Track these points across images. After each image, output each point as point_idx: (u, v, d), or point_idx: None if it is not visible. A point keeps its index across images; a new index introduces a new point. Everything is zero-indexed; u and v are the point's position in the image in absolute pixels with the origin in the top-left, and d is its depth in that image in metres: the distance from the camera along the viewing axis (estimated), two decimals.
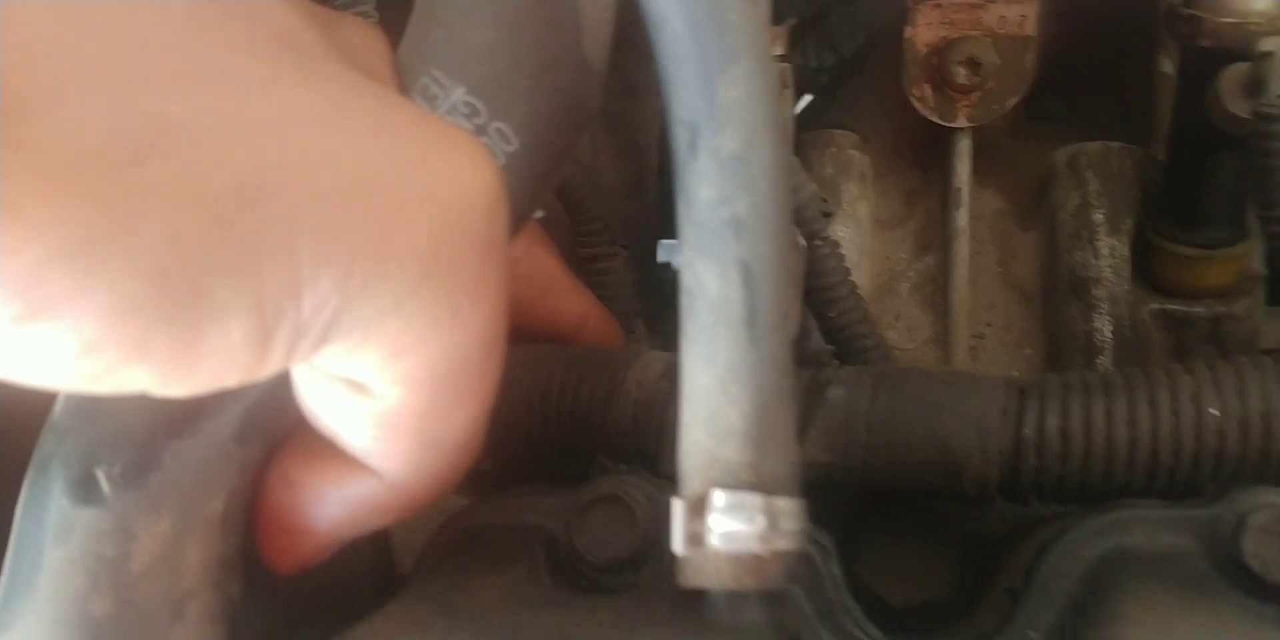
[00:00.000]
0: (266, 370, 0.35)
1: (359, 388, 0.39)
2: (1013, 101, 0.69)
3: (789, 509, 0.42)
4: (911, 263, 0.75)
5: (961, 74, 0.67)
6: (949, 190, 0.72)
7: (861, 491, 0.56)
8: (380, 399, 0.39)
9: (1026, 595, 0.46)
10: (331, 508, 0.44)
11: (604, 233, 0.72)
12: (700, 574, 0.42)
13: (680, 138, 0.41)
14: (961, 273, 0.71)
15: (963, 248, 0.71)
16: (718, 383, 0.42)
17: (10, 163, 0.29)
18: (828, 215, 0.63)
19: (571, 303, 0.62)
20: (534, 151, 0.46)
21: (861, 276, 0.71)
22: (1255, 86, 0.58)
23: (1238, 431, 0.50)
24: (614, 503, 0.48)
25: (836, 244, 0.64)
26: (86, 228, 0.30)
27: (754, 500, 0.41)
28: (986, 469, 0.53)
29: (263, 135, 0.33)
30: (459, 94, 0.45)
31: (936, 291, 0.74)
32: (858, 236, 0.72)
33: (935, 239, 0.75)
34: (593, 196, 0.72)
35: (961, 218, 0.71)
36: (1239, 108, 0.59)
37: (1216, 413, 0.51)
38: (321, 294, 0.34)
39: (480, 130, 0.45)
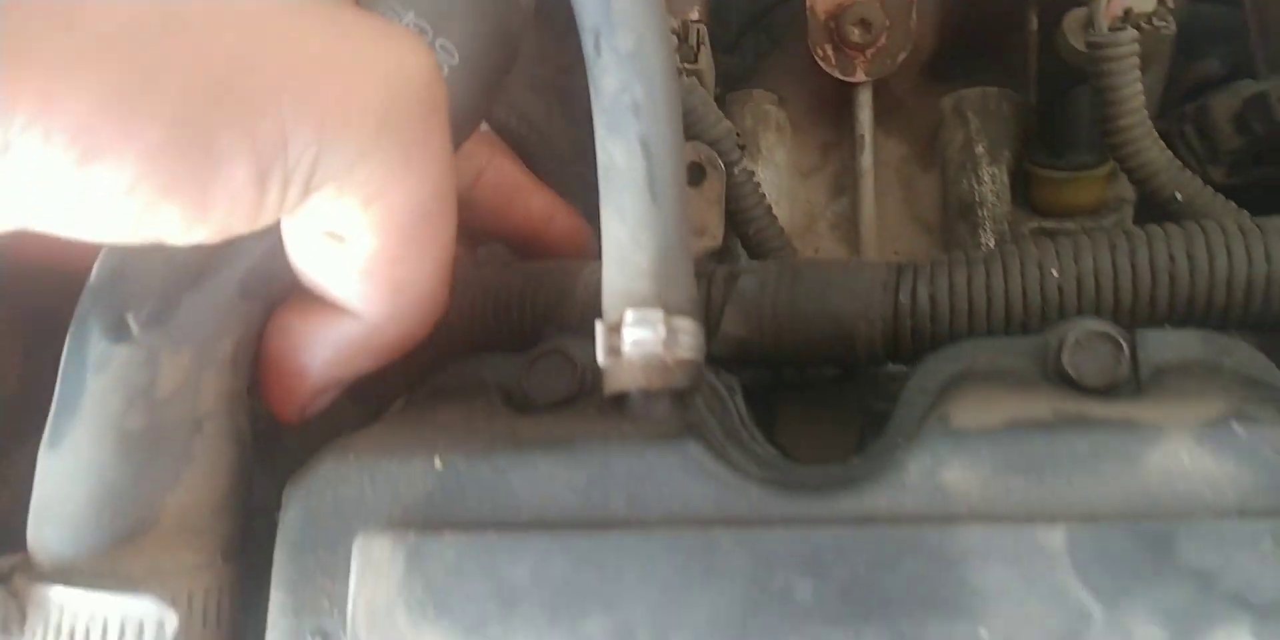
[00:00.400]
0: (266, 215, 0.45)
1: (339, 238, 0.49)
2: (902, 56, 0.80)
3: (688, 328, 0.52)
4: (828, 205, 0.86)
5: (855, 33, 0.79)
6: (855, 138, 0.83)
7: (775, 364, 0.66)
8: (357, 246, 0.49)
9: (894, 414, 0.56)
10: (323, 350, 0.54)
11: (554, 186, 0.83)
12: (619, 380, 0.52)
13: (587, 42, 0.52)
14: (869, 209, 0.82)
15: (868, 187, 0.82)
16: (629, 234, 0.53)
17: (62, 38, 0.39)
18: (742, 148, 0.74)
19: (537, 201, 0.71)
20: (473, 65, 0.57)
21: (782, 216, 0.81)
22: (1089, 24, 0.70)
23: (1074, 288, 0.60)
24: (557, 354, 0.58)
25: (752, 173, 0.75)
26: (120, 86, 0.40)
27: (657, 315, 0.51)
28: (872, 333, 0.63)
29: (247, 22, 0.44)
30: (409, 17, 0.55)
31: (850, 228, 0.84)
32: (777, 179, 0.82)
33: (848, 183, 0.86)
34: (544, 152, 0.82)
35: (866, 160, 0.82)
36: (1078, 43, 0.71)
37: (1056, 274, 0.61)
38: (302, 143, 0.43)
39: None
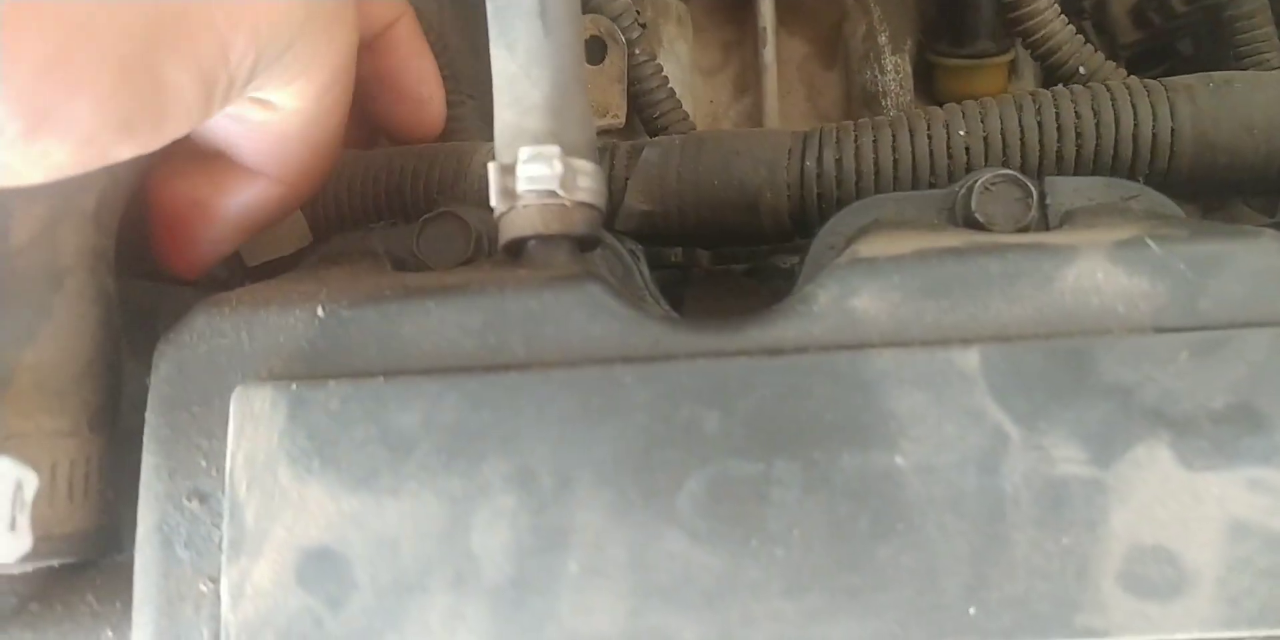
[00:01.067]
0: (210, 115, 0.46)
1: (266, 105, 0.50)
2: None
3: (586, 169, 0.49)
4: (731, 104, 0.84)
5: None
6: (757, 33, 0.81)
7: (682, 238, 0.64)
8: (281, 111, 0.51)
9: (803, 269, 0.54)
10: (227, 209, 0.54)
11: (451, 81, 0.79)
12: (514, 225, 0.49)
13: None
14: (772, 105, 0.80)
15: (771, 82, 0.80)
16: (521, 69, 0.50)
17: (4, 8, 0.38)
18: (643, 26, 0.72)
19: (430, 71, 0.67)
20: None
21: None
22: None
23: (982, 147, 0.59)
24: (451, 218, 0.55)
25: (654, 55, 0.72)
26: (61, 42, 0.39)
27: (553, 151, 0.48)
28: (778, 201, 0.61)
29: None
30: None
31: (754, 127, 0.82)
32: (679, 74, 0.80)
33: (751, 82, 0.83)
34: (441, 52, 0.79)
35: (769, 55, 0.80)
36: None
37: (964, 133, 0.59)
38: (240, 51, 0.45)
39: None
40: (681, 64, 0.81)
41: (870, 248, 0.47)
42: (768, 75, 0.80)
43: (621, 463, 0.43)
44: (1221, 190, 0.61)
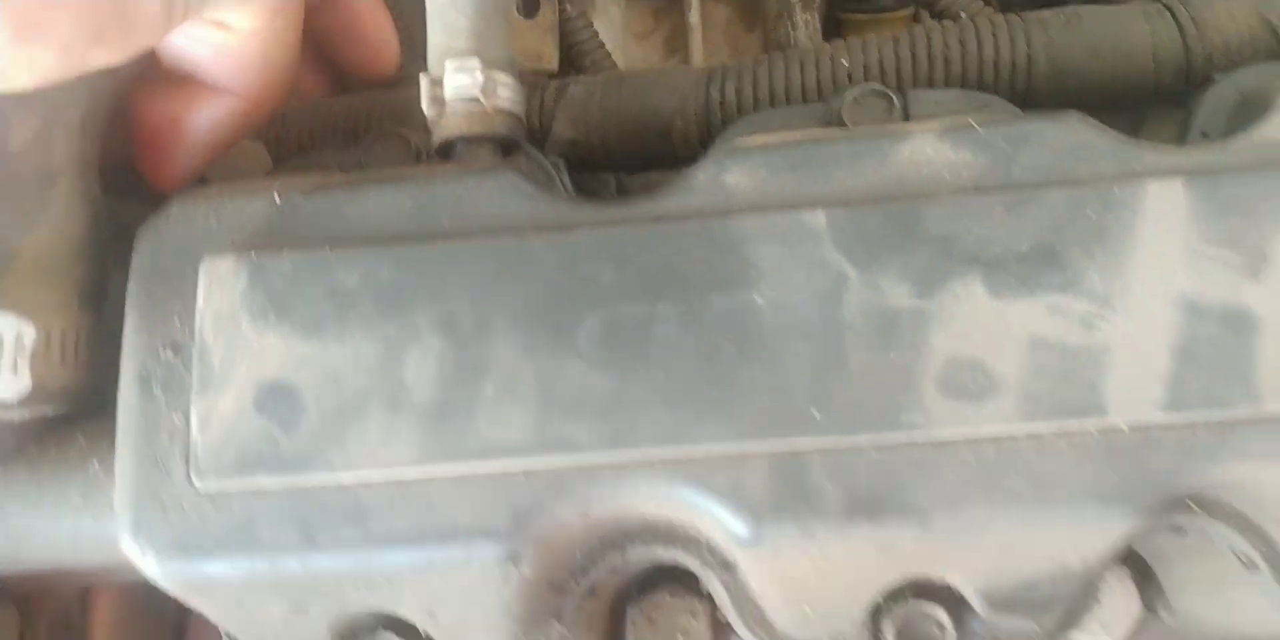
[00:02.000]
0: (171, 30, 0.54)
1: (224, 27, 0.57)
2: None
3: (505, 80, 0.58)
4: (662, 64, 0.92)
5: None
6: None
7: (605, 163, 0.72)
8: (239, 33, 0.58)
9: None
10: (199, 122, 0.62)
11: (406, 42, 0.88)
12: (443, 128, 0.58)
13: None
14: (698, 63, 0.89)
15: (697, 43, 0.89)
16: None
17: None
18: None
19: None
20: None
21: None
22: None
23: (862, 75, 0.67)
24: (393, 136, 0.63)
25: (585, 13, 0.81)
26: None
27: (474, 63, 0.57)
28: (688, 127, 0.69)
29: None
30: None
31: None
32: (612, 34, 0.89)
33: (680, 45, 0.92)
34: (398, 17, 0.88)
35: (694, 17, 0.89)
36: None
37: (846, 63, 0.68)
38: None
39: None
40: (614, 26, 0.90)
41: (746, 141, 0.55)
42: (693, 37, 0.89)
43: (531, 309, 0.51)
44: (1080, 108, 0.70)
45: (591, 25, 0.81)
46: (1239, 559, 0.52)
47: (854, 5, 0.86)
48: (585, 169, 0.72)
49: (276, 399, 0.51)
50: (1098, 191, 0.50)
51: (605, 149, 0.71)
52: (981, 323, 0.49)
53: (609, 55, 0.82)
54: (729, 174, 0.53)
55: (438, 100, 0.57)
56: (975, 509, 0.47)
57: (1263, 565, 0.50)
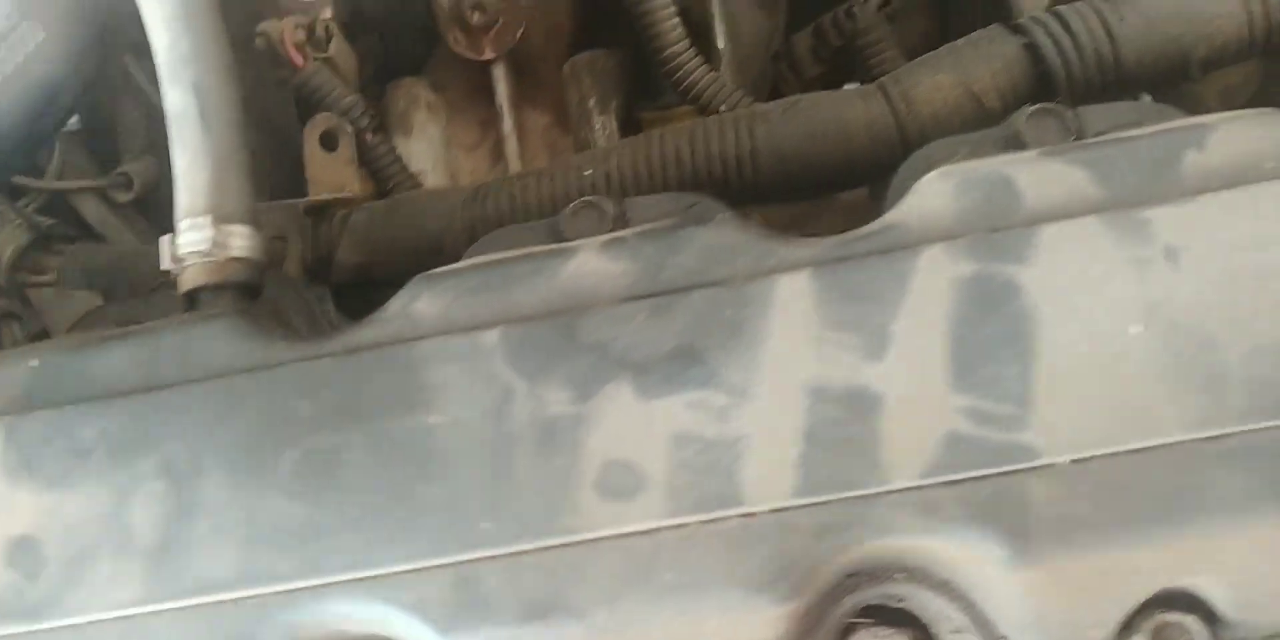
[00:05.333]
0: None
1: None
2: (519, 31, 0.92)
3: (241, 231, 0.64)
4: (489, 172, 0.98)
5: (475, 17, 0.91)
6: (499, 109, 0.95)
7: (392, 284, 0.77)
8: None
9: None
10: None
11: None
12: (183, 282, 0.63)
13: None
14: (516, 169, 0.94)
15: (512, 149, 0.95)
16: (190, 162, 0.65)
17: None
18: (374, 117, 0.87)
19: None
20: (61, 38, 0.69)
21: (445, 185, 0.94)
22: None
23: (604, 181, 0.73)
24: (163, 288, 0.69)
25: (387, 139, 0.88)
26: None
27: (206, 221, 0.63)
28: (456, 244, 0.74)
29: None
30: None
31: None
32: (431, 150, 0.95)
33: (503, 153, 0.98)
34: None
35: (507, 126, 0.95)
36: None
37: (589, 173, 0.73)
38: None
39: None
40: (433, 142, 0.96)
41: (435, 271, 0.60)
42: (508, 145, 0.95)
43: (238, 446, 0.56)
44: (809, 190, 0.75)
45: (393, 150, 0.87)
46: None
47: (646, 103, 0.92)
48: (373, 285, 0.77)
49: (23, 552, 0.56)
50: (733, 290, 0.54)
51: (388, 269, 0.77)
52: (631, 423, 0.53)
53: (412, 176, 0.88)
54: (418, 302, 0.58)
55: (176, 258, 0.63)
56: (631, 604, 0.51)
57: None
